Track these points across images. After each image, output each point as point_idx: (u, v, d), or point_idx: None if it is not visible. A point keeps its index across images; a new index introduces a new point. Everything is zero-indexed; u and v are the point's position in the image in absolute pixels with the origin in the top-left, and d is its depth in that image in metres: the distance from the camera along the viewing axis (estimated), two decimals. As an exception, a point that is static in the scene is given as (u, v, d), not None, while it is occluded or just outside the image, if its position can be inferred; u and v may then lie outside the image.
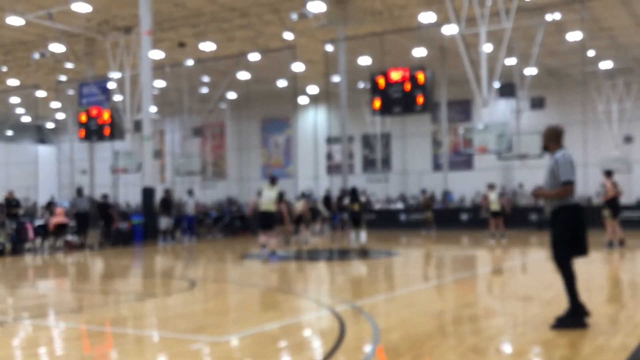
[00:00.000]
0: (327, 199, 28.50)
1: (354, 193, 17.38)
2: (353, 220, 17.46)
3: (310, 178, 41.79)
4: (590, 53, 31.71)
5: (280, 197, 15.17)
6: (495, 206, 19.88)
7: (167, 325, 7.48)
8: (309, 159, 42.84)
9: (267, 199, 15.03)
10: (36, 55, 31.44)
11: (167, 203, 23.13)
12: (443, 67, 33.60)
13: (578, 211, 6.72)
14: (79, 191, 21.97)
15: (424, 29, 28.50)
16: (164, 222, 22.97)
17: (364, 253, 16.47)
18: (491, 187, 20.51)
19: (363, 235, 17.54)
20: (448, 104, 36.26)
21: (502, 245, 18.68)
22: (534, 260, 15.44)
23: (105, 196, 22.78)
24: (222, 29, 30.33)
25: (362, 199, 19.15)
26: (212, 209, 32.35)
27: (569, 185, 6.58)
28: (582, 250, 6.75)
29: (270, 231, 15.32)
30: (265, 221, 15.18)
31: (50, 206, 23.31)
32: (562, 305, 6.89)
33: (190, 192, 26.47)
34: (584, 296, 6.87)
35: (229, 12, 28.68)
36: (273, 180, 15.30)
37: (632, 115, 35.25)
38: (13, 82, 39.64)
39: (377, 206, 34.42)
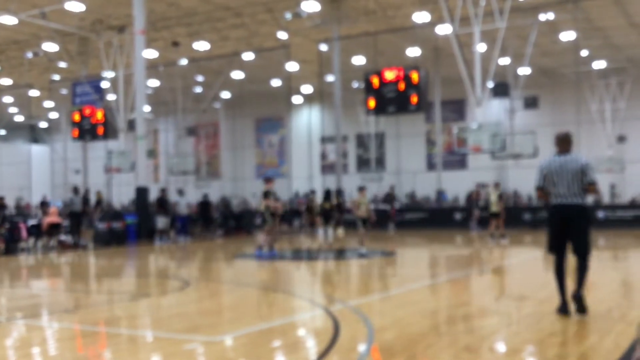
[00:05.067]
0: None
1: (327, 193, 18.44)
2: (324, 218, 18.38)
3: (305, 178, 41.79)
4: (584, 53, 31.80)
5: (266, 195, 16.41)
6: (495, 207, 19.58)
7: (161, 325, 7.47)
8: (303, 158, 42.83)
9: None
10: (29, 55, 31.38)
11: (163, 202, 23.13)
12: (437, 66, 33.64)
13: (554, 211, 7.17)
14: (76, 190, 21.93)
15: (417, 28, 28.51)
16: (161, 222, 22.95)
17: (330, 252, 16.98)
18: (496, 186, 20.22)
19: (330, 233, 18.23)
20: (442, 103, 36.31)
21: (501, 245, 18.52)
22: (528, 260, 15.47)
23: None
24: (216, 29, 30.29)
25: (335, 199, 19.76)
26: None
27: (537, 190, 7.34)
28: (553, 247, 7.19)
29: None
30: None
31: (43, 206, 23.26)
32: (555, 304, 6.91)
33: (180, 192, 26.52)
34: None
35: (222, 12, 28.64)
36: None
37: (625, 115, 35.37)
38: (6, 81, 39.49)
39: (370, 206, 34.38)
